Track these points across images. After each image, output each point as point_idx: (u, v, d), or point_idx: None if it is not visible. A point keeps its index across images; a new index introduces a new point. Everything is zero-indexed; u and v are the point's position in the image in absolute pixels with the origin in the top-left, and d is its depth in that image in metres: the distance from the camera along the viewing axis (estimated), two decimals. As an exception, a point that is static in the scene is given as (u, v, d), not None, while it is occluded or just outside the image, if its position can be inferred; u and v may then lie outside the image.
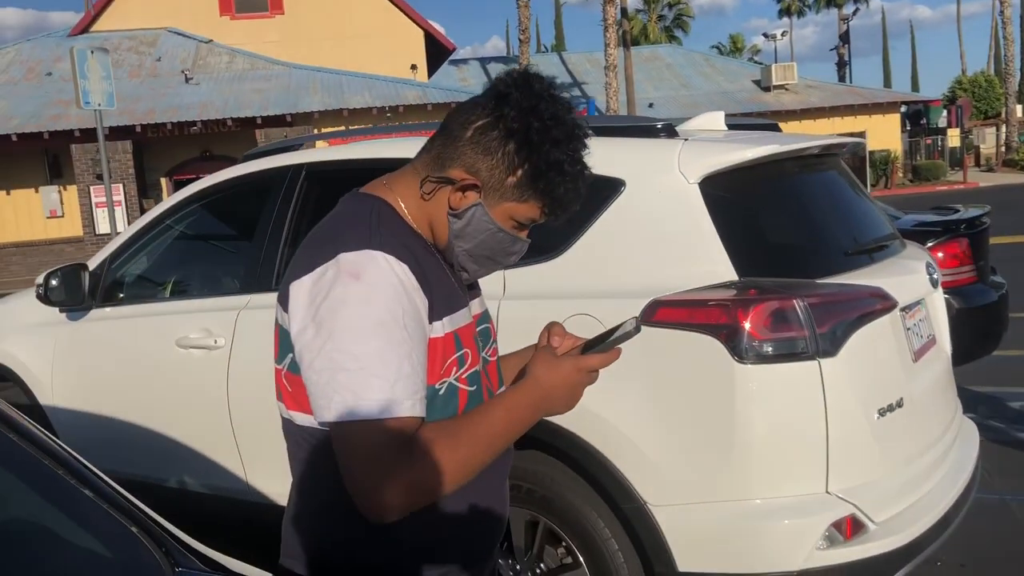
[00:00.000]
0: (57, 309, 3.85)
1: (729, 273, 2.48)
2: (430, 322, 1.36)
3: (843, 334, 2.44)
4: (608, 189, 2.68)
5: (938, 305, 3.16)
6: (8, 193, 20.95)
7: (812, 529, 2.35)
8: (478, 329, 1.54)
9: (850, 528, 2.39)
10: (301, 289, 1.33)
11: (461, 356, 1.42)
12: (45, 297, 3.69)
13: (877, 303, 2.60)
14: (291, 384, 1.37)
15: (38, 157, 20.64)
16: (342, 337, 1.27)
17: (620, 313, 2.54)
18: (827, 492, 2.39)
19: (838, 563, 2.36)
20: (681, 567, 2.44)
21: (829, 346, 2.40)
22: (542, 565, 2.73)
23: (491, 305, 2.75)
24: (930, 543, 2.55)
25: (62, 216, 20.99)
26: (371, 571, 1.38)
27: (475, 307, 1.56)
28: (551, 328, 1.48)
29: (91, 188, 19.38)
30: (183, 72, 22.46)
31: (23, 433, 1.28)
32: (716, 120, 3.13)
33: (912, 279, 2.94)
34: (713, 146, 2.71)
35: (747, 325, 2.36)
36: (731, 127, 3.15)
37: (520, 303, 2.72)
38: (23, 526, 1.19)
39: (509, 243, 1.45)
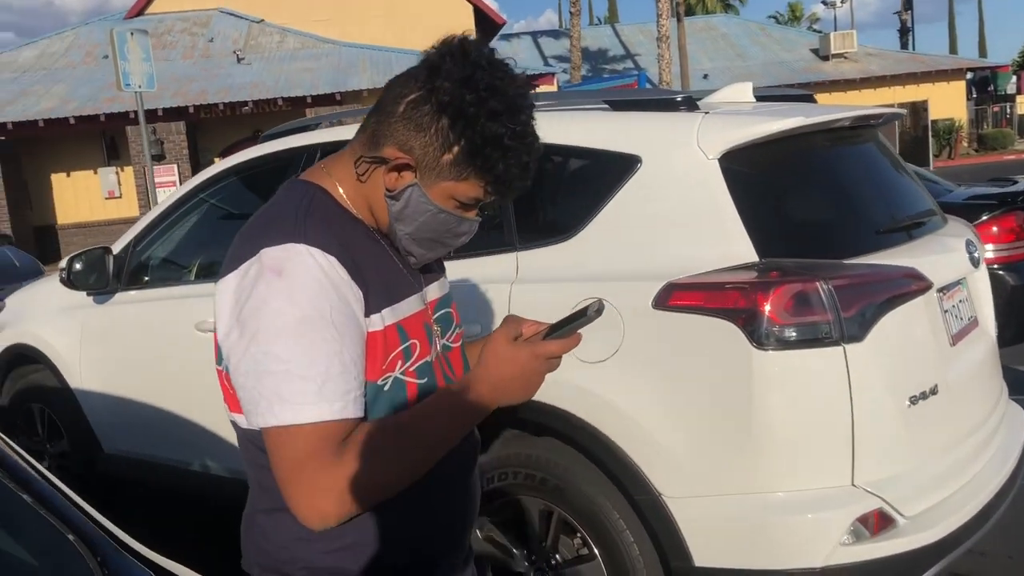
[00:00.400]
0: (84, 293, 3.86)
1: (749, 254, 2.35)
2: (367, 315, 1.27)
3: (871, 318, 2.30)
4: (623, 166, 2.56)
5: (981, 285, 2.98)
6: (68, 175, 21.39)
7: (836, 524, 2.23)
8: (436, 315, 1.45)
9: (877, 523, 2.26)
10: (227, 289, 1.26)
11: (407, 348, 1.33)
12: (69, 281, 3.69)
13: (910, 284, 2.44)
14: (231, 386, 1.30)
15: (96, 139, 21.00)
16: (266, 338, 1.19)
17: (634, 296, 2.45)
18: (853, 485, 2.26)
19: (864, 559, 2.23)
20: (698, 561, 2.34)
21: (856, 330, 2.26)
22: (557, 556, 2.65)
23: (502, 288, 2.68)
24: (968, 537, 2.41)
25: (120, 197, 21.37)
26: (321, 572, 1.31)
27: (432, 292, 1.47)
28: (506, 321, 1.37)
29: (146, 169, 19.66)
30: (235, 52, 22.63)
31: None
32: (744, 92, 2.99)
33: (951, 258, 2.77)
34: (734, 119, 2.56)
35: (766, 309, 2.23)
36: (760, 99, 3.01)
37: (533, 286, 2.63)
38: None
39: (454, 224, 1.35)
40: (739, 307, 2.27)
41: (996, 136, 31.76)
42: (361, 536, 1.29)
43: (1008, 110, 34.59)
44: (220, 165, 3.73)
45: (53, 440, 4.29)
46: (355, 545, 1.30)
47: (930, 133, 28.22)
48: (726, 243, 2.38)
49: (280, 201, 1.34)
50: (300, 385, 1.18)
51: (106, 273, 3.75)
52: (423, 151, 1.27)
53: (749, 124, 2.50)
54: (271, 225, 1.27)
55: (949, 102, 29.47)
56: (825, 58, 30.22)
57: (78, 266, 3.69)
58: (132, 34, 8.23)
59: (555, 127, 2.81)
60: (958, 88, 30.20)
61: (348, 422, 1.21)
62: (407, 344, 1.33)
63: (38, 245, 19.43)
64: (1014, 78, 34.76)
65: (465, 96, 1.23)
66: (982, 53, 61.91)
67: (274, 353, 1.19)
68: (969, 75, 32.01)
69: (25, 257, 8.47)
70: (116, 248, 3.84)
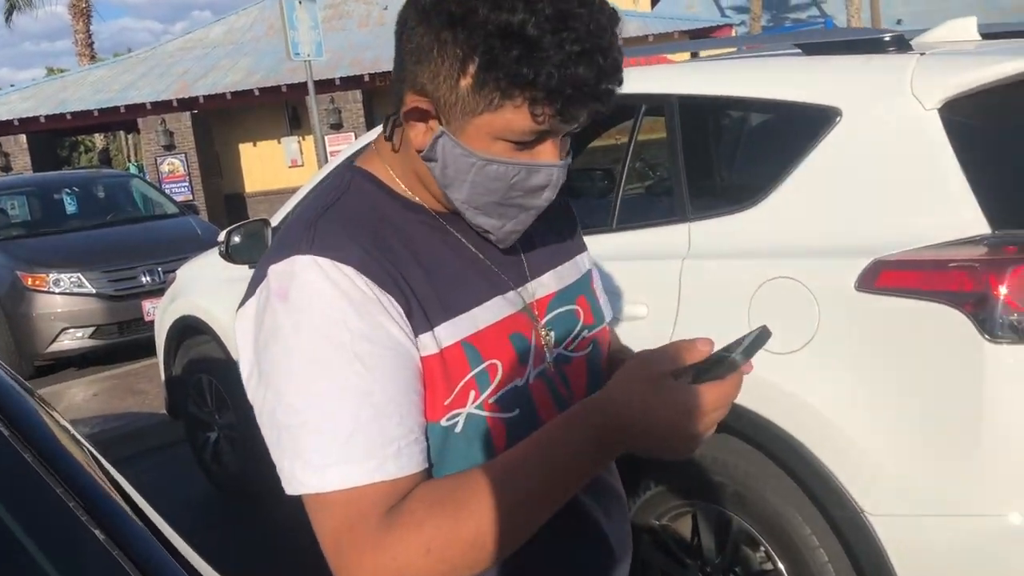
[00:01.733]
0: (247, 266, 3.81)
1: (978, 225, 1.93)
2: (416, 335, 0.97)
3: None
4: (819, 121, 2.17)
5: None
6: (255, 145, 22.40)
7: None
8: (552, 314, 1.12)
9: None
10: (244, 321, 1.00)
11: (481, 373, 1.01)
12: (227, 255, 3.63)
13: None
14: None
15: (279, 109, 21.86)
16: (278, 383, 0.93)
17: (832, 276, 2.08)
18: (1117, 512, 1.82)
19: None
20: (909, 593, 1.96)
21: (1123, 320, 1.80)
22: (737, 570, 2.33)
23: (671, 265, 2.35)
24: None
25: (302, 165, 22.18)
26: None
27: (546, 284, 1.14)
28: (668, 348, 0.93)
29: (326, 138, 20.27)
30: (408, 19, 22.97)
31: (43, 453, 1.06)
32: (966, 29, 2.52)
33: None
34: (958, 61, 2.12)
35: (1002, 292, 1.81)
36: (986, 36, 2.52)
37: (708, 263, 2.29)
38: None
39: (519, 175, 0.98)
40: (966, 290, 1.86)
41: None
42: None
43: None
44: (367, 137, 3.57)
45: (221, 411, 4.32)
46: None
47: None
48: (948, 211, 1.97)
49: (309, 199, 1.09)
50: (317, 442, 0.90)
51: (265, 246, 3.67)
52: (434, 84, 0.95)
53: (977, 66, 2.05)
54: (287, 232, 1.01)
55: None
56: (1039, -6, 27.38)
57: (237, 239, 3.61)
58: (300, 2, 8.30)
59: (734, 77, 2.45)
60: None
61: (391, 483, 0.90)
62: (481, 367, 1.01)
63: (228, 212, 20.48)
64: None
65: None
66: None
67: (287, 402, 0.92)
68: None
69: (207, 226, 8.77)
70: (275, 220, 3.76)
